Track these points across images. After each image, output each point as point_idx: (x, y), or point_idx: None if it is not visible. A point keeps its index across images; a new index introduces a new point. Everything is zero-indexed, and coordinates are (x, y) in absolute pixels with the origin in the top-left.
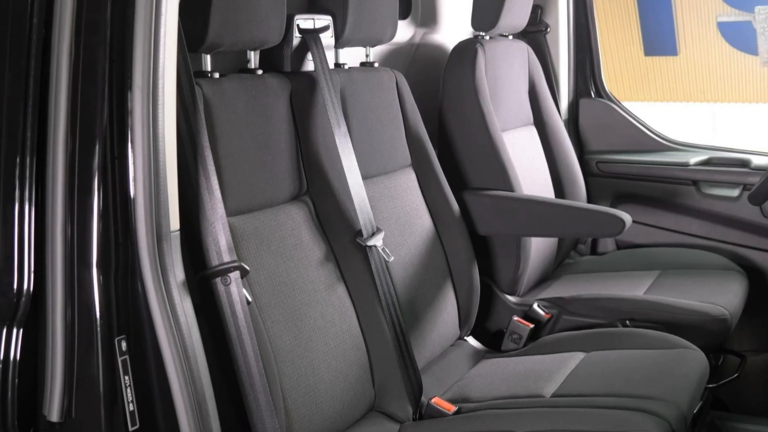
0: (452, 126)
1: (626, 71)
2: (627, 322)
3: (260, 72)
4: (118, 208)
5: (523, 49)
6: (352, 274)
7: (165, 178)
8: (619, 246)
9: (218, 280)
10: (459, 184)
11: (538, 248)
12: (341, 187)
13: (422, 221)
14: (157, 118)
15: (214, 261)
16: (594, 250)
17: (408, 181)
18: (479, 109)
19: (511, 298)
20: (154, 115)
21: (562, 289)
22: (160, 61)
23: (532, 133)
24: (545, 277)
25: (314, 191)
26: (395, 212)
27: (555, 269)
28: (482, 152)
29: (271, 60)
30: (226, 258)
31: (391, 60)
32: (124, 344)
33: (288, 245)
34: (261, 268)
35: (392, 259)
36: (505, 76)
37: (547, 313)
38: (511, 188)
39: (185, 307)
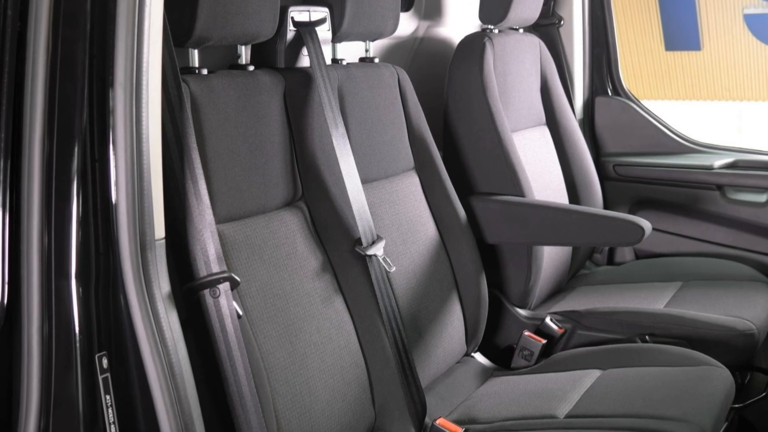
0: (458, 126)
1: (645, 67)
2: (646, 337)
3: (252, 68)
4: (99, 214)
5: (535, 43)
6: (350, 286)
7: (149, 183)
8: (638, 255)
9: (206, 292)
10: (465, 189)
11: (551, 258)
12: (339, 192)
13: (426, 229)
14: (140, 118)
15: (202, 271)
16: (611, 260)
17: (411, 186)
18: (487, 108)
19: (522, 312)
20: (137, 114)
21: (576, 301)
22: (144, 56)
23: (545, 133)
24: (558, 289)
25: (310, 196)
26: (397, 219)
27: (569, 280)
28: (490, 154)
29: (263, 55)
30: (215, 268)
31: (392, 55)
32: (105, 361)
33: (282, 254)
34: (252, 279)
35: (394, 269)
36: (516, 73)
37: (560, 327)
38: (521, 193)
39: (171, 322)
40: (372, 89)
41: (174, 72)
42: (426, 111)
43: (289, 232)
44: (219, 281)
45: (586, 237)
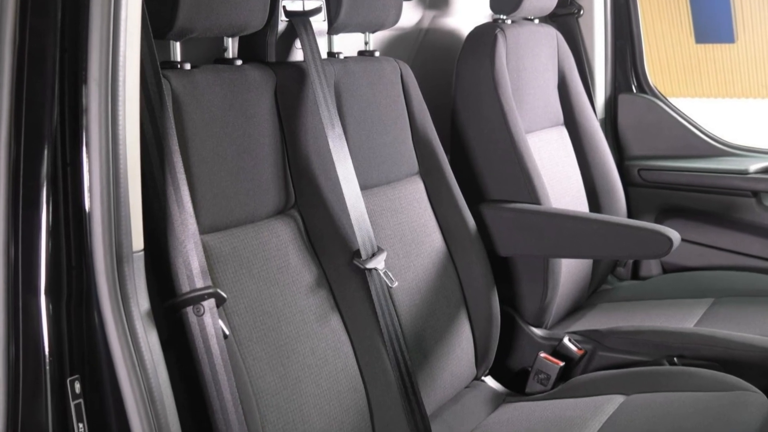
0: (467, 127)
1: (674, 62)
2: (675, 359)
3: (239, 62)
4: (71, 224)
5: (552, 35)
6: (348, 303)
7: (126, 189)
8: (666, 269)
9: (190, 309)
10: (475, 196)
11: (570, 272)
12: (335, 200)
13: (432, 240)
14: (117, 118)
15: (185, 287)
16: (635, 274)
17: (415, 192)
18: (499, 107)
19: (538, 331)
20: (113, 113)
21: (597, 320)
22: (121, 49)
23: (563, 134)
24: (578, 307)
25: (303, 204)
26: (399, 229)
27: (589, 297)
28: (503, 158)
29: (252, 48)
30: (199, 283)
31: (394, 48)
32: (77, 386)
33: (272, 268)
34: (240, 295)
35: (396, 284)
36: (530, 68)
37: (579, 348)
38: (537, 201)
39: (150, 342)
40: (372, 86)
41: (154, 67)
42: (431, 110)
43: (281, 244)
44: (203, 297)
45: (608, 249)
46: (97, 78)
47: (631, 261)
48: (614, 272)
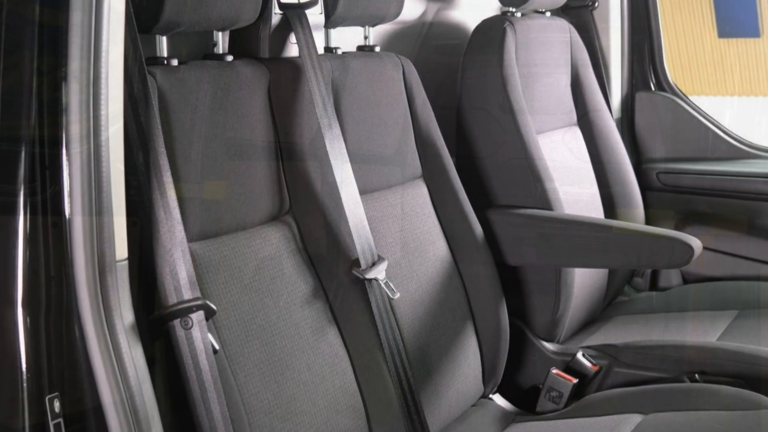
0: (474, 127)
1: (695, 57)
2: (696, 376)
3: (230, 58)
4: (50, 231)
5: (565, 29)
6: (346, 315)
7: (109, 194)
8: (686, 280)
9: (177, 322)
10: (482, 201)
11: (583, 282)
12: (333, 205)
13: (436, 248)
14: (99, 117)
15: (172, 298)
16: (654, 285)
17: (417, 197)
18: (508, 106)
19: (549, 346)
20: (95, 112)
21: (613, 334)
22: (103, 44)
23: (576, 136)
24: (592, 320)
25: (299, 210)
26: (401, 236)
27: (604, 309)
28: (512, 160)
29: (243, 43)
30: (187, 294)
31: (396, 43)
32: (57, 404)
33: (265, 278)
34: (231, 307)
35: (398, 295)
36: (542, 64)
37: (594, 364)
38: (548, 206)
39: (135, 357)
40: (372, 83)
41: (138, 63)
42: (436, 109)
43: (275, 252)
44: (191, 310)
45: (624, 258)
46: (78, 75)
47: (649, 271)
48: (631, 283)
